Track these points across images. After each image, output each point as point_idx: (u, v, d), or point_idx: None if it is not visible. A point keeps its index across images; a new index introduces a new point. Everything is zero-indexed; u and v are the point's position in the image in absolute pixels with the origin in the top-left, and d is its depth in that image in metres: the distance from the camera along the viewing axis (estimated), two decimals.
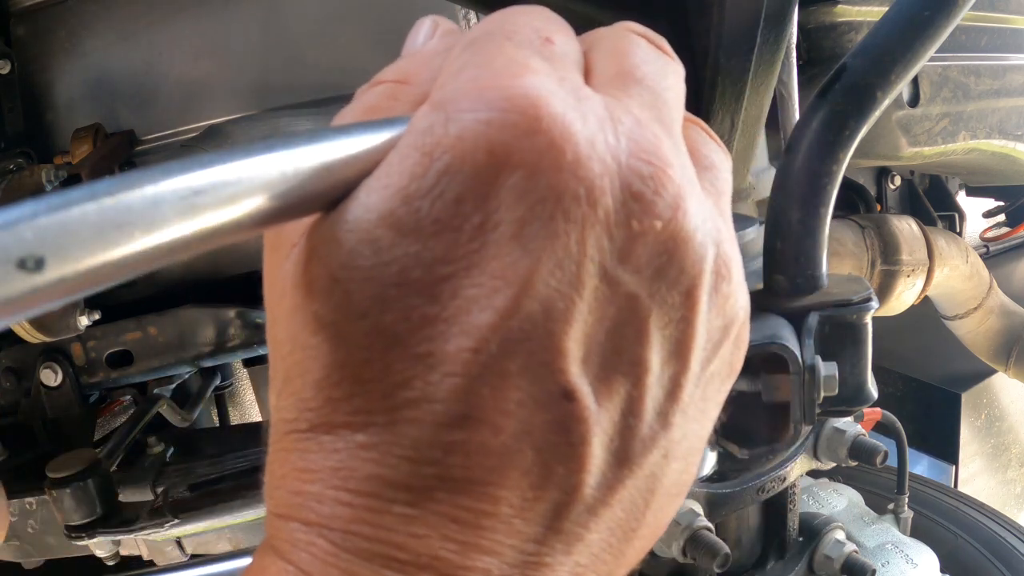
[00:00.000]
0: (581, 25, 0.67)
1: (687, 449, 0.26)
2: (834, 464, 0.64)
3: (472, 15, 0.71)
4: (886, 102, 0.47)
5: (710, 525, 0.54)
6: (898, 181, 1.54)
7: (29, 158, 1.06)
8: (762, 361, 0.49)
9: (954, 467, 1.64)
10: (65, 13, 1.08)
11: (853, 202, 1.41)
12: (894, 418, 0.97)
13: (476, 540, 0.22)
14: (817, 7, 0.95)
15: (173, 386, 1.25)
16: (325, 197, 0.21)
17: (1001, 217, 1.77)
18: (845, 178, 0.51)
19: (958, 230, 1.57)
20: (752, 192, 0.66)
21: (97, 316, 0.98)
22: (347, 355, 0.22)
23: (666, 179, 0.22)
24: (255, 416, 1.81)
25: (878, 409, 0.95)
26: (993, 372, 1.60)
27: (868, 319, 0.50)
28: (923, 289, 1.26)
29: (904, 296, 1.25)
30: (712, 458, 0.52)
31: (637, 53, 0.26)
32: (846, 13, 0.95)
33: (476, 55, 0.23)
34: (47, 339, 0.97)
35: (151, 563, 0.98)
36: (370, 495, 0.21)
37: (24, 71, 1.08)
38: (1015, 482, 1.77)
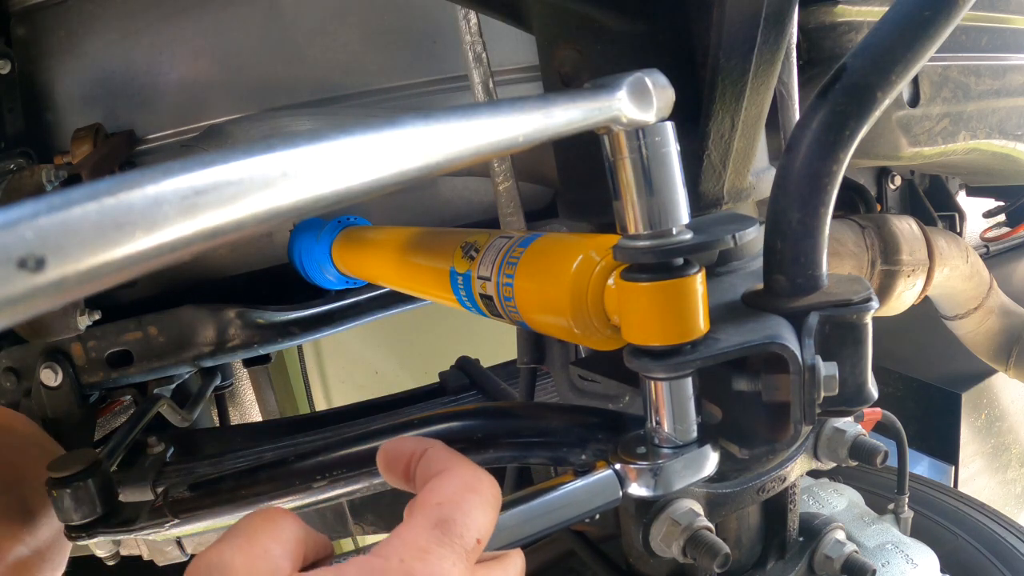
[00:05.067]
0: (581, 25, 0.67)
1: None
2: (834, 464, 0.64)
3: (472, 15, 0.70)
4: (886, 102, 0.47)
5: (710, 525, 0.54)
6: (898, 181, 1.54)
7: (29, 158, 1.06)
8: (762, 361, 0.49)
9: (954, 467, 1.63)
10: (65, 13, 1.08)
11: (853, 202, 1.40)
12: (894, 418, 0.97)
13: None
14: (817, 7, 0.95)
15: (173, 386, 1.25)
16: None
17: (1001, 217, 1.77)
18: (845, 178, 0.51)
19: (958, 230, 1.57)
20: (752, 192, 0.66)
21: (97, 316, 0.98)
22: None
23: None
24: (255, 416, 1.81)
25: (878, 409, 0.95)
26: (993, 372, 1.60)
27: (868, 319, 0.49)
28: (923, 289, 1.26)
29: (904, 296, 1.24)
30: (712, 458, 0.52)
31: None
32: (846, 13, 0.95)
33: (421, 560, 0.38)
34: (47, 339, 0.97)
35: (151, 563, 0.98)
36: None
37: (24, 71, 1.08)
38: (1015, 482, 1.77)
